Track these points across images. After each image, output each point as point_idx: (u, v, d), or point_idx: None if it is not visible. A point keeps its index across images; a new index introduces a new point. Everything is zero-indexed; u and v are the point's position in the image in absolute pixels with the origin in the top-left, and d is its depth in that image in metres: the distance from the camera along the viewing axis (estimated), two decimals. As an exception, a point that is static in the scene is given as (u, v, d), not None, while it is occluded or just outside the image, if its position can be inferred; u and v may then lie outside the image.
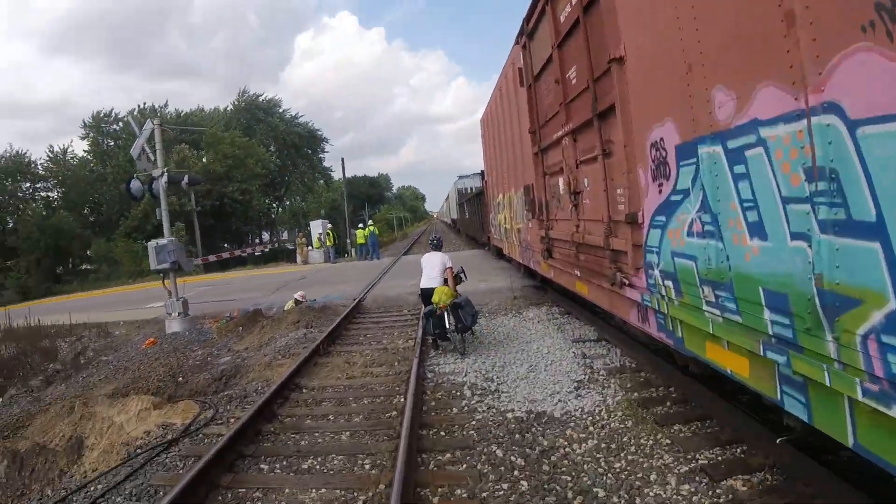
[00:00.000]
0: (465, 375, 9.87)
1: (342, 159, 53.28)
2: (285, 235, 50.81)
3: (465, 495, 5.92)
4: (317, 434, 7.80)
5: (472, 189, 45.00)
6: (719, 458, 6.18)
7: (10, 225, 55.68)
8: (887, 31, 3.12)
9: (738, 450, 6.30)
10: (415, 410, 7.80)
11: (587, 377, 9.27)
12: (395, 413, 8.29)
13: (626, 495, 5.66)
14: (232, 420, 8.62)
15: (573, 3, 8.28)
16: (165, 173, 17.41)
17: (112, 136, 67.09)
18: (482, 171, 25.11)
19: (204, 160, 58.01)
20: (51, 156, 61.58)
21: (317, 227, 42.27)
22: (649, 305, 6.57)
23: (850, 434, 3.78)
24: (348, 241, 43.53)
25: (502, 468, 6.38)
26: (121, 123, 66.40)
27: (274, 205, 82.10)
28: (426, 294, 11.68)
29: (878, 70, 3.20)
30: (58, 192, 61.43)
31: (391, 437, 7.42)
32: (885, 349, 3.35)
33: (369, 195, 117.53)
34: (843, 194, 3.51)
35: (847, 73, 3.41)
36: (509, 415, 7.91)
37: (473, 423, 7.71)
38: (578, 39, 8.26)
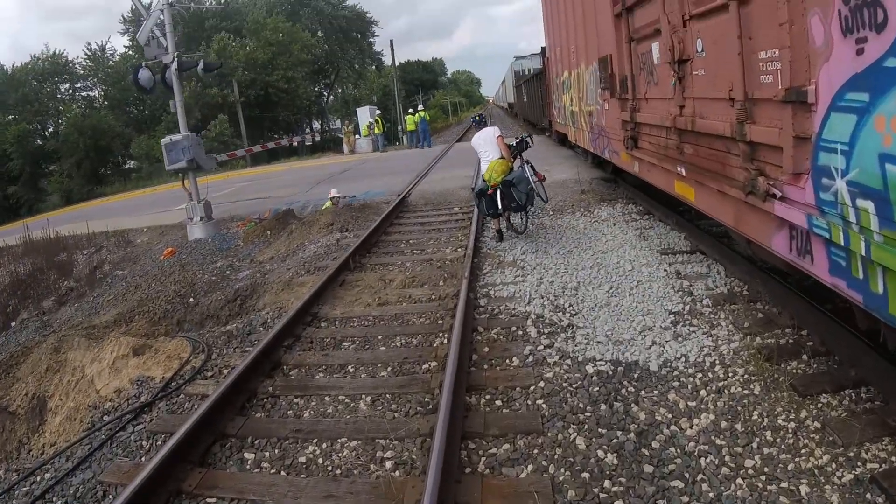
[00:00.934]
0: (529, 303, 7.69)
1: (391, 41, 50.57)
2: (337, 124, 48.34)
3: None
4: (326, 399, 5.76)
5: (529, 70, 42.20)
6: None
7: (51, 129, 54.35)
8: None
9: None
10: (460, 364, 5.66)
11: (686, 307, 7.08)
12: (434, 364, 6.20)
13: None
14: (225, 371, 6.64)
15: None
16: (176, 59, 15.08)
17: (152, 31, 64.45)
18: (542, 49, 22.18)
19: (247, 48, 55.21)
20: (88, 54, 59.28)
21: (364, 115, 39.89)
22: (820, 233, 4.19)
23: None
24: (400, 127, 40.93)
25: (585, 474, 4.28)
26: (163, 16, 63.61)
27: (324, 93, 79.64)
28: None
29: None
30: (99, 90, 59.42)
31: (426, 410, 5.33)
32: None
33: (423, 80, 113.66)
34: None
35: None
36: (589, 367, 5.74)
37: (542, 385, 5.55)
38: None
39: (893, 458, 4.04)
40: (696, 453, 4.35)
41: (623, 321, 6.88)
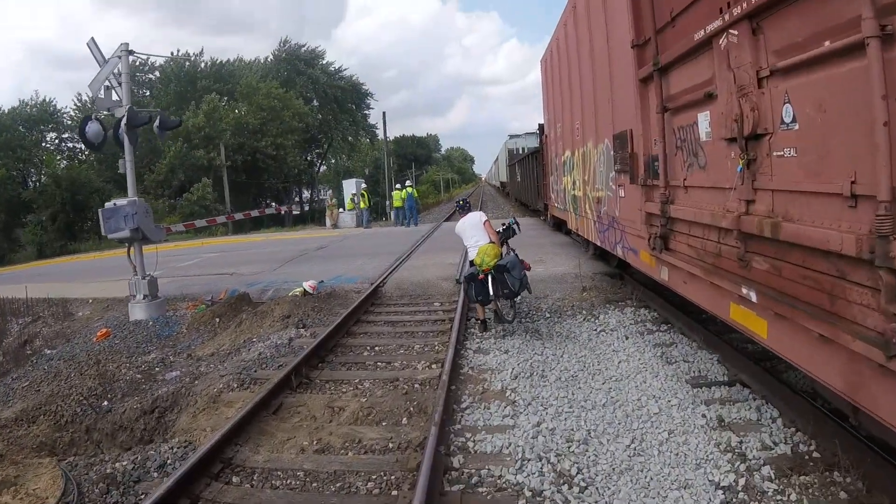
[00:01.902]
0: (522, 468, 5.49)
1: (383, 113, 49.66)
2: (330, 193, 46.53)
3: None
4: None
5: (524, 149, 40.95)
6: None
7: (34, 178, 52.21)
8: None
9: None
10: None
11: (740, 479, 5.08)
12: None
13: None
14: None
15: None
16: (126, 111, 13.10)
17: (147, 86, 63.06)
18: (540, 126, 20.38)
19: (237, 111, 53.73)
20: (78, 105, 57.60)
21: (350, 187, 38.00)
22: None
23: None
24: (388, 202, 38.98)
25: None
26: (157, 73, 62.40)
27: (316, 162, 78.36)
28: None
29: None
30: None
31: None
32: None
33: (417, 155, 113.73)
34: None
35: None
36: None
37: None
38: None
39: None
40: None
41: (653, 499, 4.80)
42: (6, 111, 55.22)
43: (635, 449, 5.72)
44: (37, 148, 53.12)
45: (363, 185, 36.91)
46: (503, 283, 9.39)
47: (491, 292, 9.57)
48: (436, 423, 5.95)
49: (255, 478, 5.69)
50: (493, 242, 9.98)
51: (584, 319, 10.65)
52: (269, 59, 70.65)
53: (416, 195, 33.92)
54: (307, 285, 13.72)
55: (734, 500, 4.76)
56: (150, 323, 13.02)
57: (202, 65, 62.88)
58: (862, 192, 3.43)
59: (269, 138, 54.49)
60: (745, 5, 4.55)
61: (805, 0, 3.91)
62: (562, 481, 5.17)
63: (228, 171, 50.94)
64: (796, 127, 4.14)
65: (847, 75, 3.51)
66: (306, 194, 76.82)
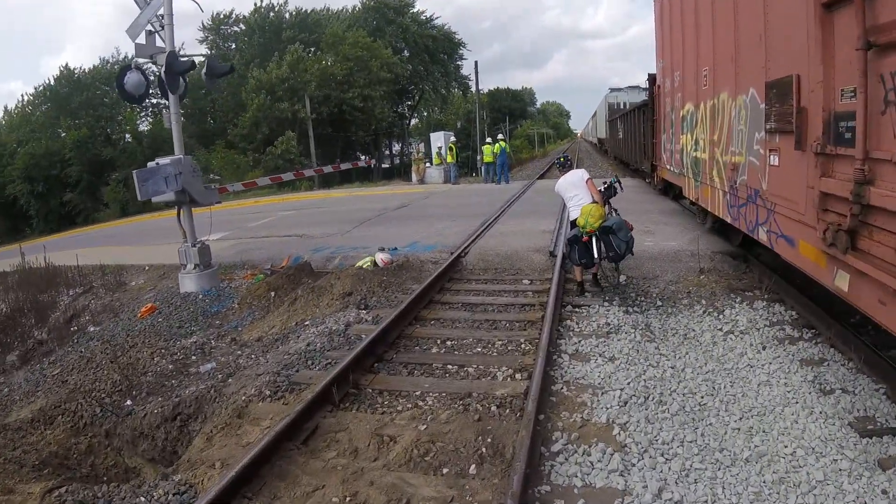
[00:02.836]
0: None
1: (475, 62, 47.84)
2: (417, 147, 44.97)
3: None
4: None
5: (625, 104, 38.49)
6: None
7: (116, 136, 51.88)
8: None
9: None
10: None
11: None
12: None
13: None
14: None
15: None
16: (165, 57, 11.45)
17: (233, 39, 62.23)
18: (650, 77, 17.89)
19: (323, 62, 52.17)
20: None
21: (437, 140, 36.07)
22: None
23: None
24: (478, 157, 36.89)
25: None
26: (242, 26, 61.36)
27: (407, 114, 76.59)
28: None
29: None
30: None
31: None
32: None
33: (511, 108, 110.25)
34: None
35: None
36: None
37: None
38: None
39: None
40: None
41: None
42: (87, 70, 55.25)
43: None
44: (119, 106, 52.59)
45: (451, 138, 34.86)
46: (608, 245, 8.97)
47: (595, 255, 9.13)
48: (513, 489, 4.15)
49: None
50: (597, 202, 9.36)
51: (704, 313, 8.68)
52: (356, 8, 68.42)
53: (508, 150, 31.58)
54: (379, 258, 12.02)
55: None
56: (200, 296, 11.69)
57: (287, 15, 61.46)
58: None
59: (355, 89, 52.69)
60: None
61: None
62: None
63: (314, 123, 49.72)
64: None
65: None
66: (397, 147, 75.39)
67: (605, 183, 10.62)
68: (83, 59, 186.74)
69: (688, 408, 5.83)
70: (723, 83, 9.28)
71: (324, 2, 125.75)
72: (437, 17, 72.26)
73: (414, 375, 6.89)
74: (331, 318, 9.13)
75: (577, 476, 4.74)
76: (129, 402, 7.48)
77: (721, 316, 8.50)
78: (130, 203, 42.16)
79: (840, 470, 4.71)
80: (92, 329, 11.46)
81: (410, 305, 8.87)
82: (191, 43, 59.57)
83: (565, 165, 10.26)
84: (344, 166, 40.81)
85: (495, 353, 7.42)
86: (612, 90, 48.70)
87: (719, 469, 4.78)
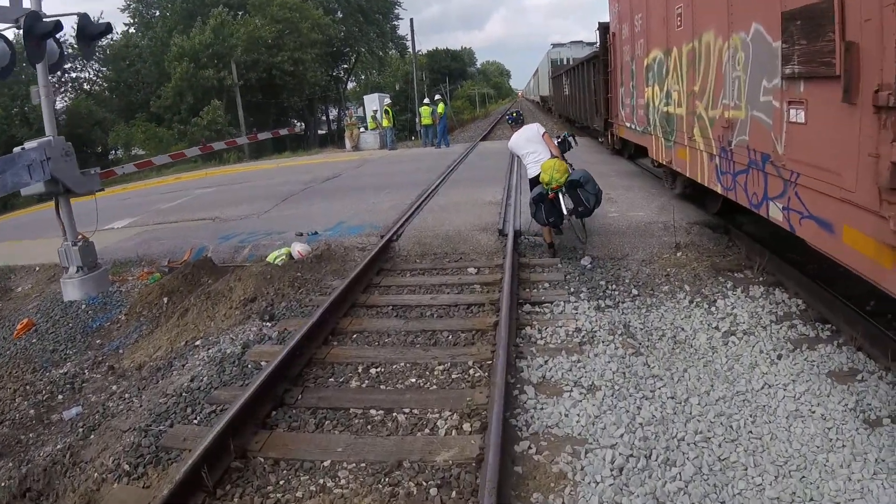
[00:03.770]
0: None
1: (411, 20, 44.69)
2: (350, 112, 42.40)
3: None
4: None
5: (568, 60, 37.01)
6: None
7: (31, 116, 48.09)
8: None
9: None
10: None
11: None
12: None
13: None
14: None
15: None
16: (25, 18, 9.15)
17: (156, 5, 58.32)
18: (601, 26, 15.97)
19: (249, 26, 48.84)
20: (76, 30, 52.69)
21: (372, 103, 33.79)
22: None
23: None
24: (417, 119, 34.67)
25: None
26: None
27: (343, 78, 73.51)
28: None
29: None
30: (89, 71, 52.60)
31: None
32: None
33: (451, 69, 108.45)
34: None
35: None
36: None
37: None
38: None
39: None
40: None
41: None
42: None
43: None
44: (34, 82, 48.75)
45: (387, 101, 32.58)
46: (577, 199, 8.54)
47: (565, 211, 8.62)
48: None
49: None
50: (557, 157, 8.86)
51: (691, 303, 7.10)
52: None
53: (443, 113, 29.09)
54: (295, 250, 10.09)
55: None
56: (84, 306, 9.52)
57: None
58: None
59: (285, 53, 49.69)
60: None
61: None
62: None
63: (242, 90, 46.69)
64: None
65: None
66: (334, 113, 72.70)
67: (557, 138, 9.76)
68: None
69: (705, 468, 4.12)
70: (706, 21, 7.45)
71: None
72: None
73: (324, 430, 4.99)
74: (227, 336, 7.20)
75: None
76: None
77: (713, 308, 6.87)
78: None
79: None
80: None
81: (327, 313, 7.00)
82: (113, 13, 55.80)
83: (518, 121, 9.61)
84: (262, 136, 38.24)
85: (435, 386, 5.56)
86: (555, 46, 46.96)
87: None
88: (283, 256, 9.88)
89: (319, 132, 65.62)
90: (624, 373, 5.46)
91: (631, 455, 4.23)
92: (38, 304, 10.06)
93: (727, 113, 6.93)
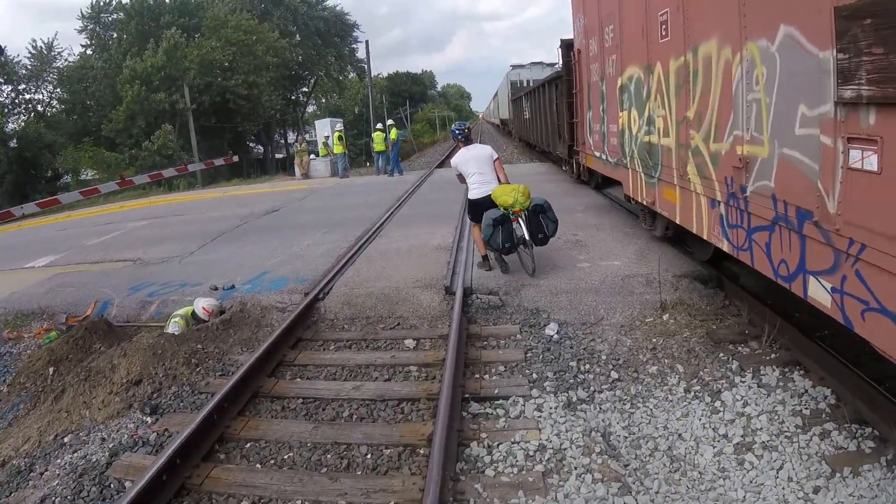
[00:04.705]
0: None
1: (366, 42, 43.14)
2: (300, 137, 40.69)
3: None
4: None
5: (528, 82, 35.65)
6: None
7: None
8: None
9: None
10: None
11: None
12: None
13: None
14: None
15: None
16: None
17: (113, 27, 55.89)
18: (565, 43, 14.42)
19: (204, 48, 46.76)
20: (34, 52, 50.32)
21: (323, 128, 31.96)
22: None
23: None
24: (372, 145, 32.88)
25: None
26: (122, 13, 55.07)
27: (302, 101, 71.95)
28: (481, 206, 8.55)
29: None
30: (44, 93, 50.39)
31: None
32: None
33: (412, 92, 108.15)
34: None
35: None
36: None
37: None
38: None
39: None
40: None
41: None
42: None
43: None
44: (-14, 104, 46.21)
45: (338, 126, 30.74)
46: (537, 226, 8.29)
47: (527, 236, 8.20)
48: None
49: None
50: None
51: (688, 393, 5.55)
52: (241, -9, 63.32)
53: (395, 138, 27.10)
54: (199, 306, 8.25)
55: None
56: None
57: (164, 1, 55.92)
58: None
59: (240, 76, 48.11)
60: None
61: None
62: None
63: (195, 114, 44.55)
64: None
65: None
66: (292, 137, 71.05)
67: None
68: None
69: None
70: (706, 28, 5.79)
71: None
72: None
73: None
74: (98, 434, 5.53)
75: None
76: None
77: (718, 403, 5.24)
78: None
79: None
80: None
81: (218, 409, 5.30)
82: (71, 35, 53.65)
83: (467, 137, 9.07)
84: (193, 167, 36.33)
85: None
86: (514, 67, 45.99)
87: None
88: (182, 318, 8.03)
89: (278, 156, 63.88)
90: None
91: None
92: None
93: (740, 148, 5.24)
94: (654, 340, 6.54)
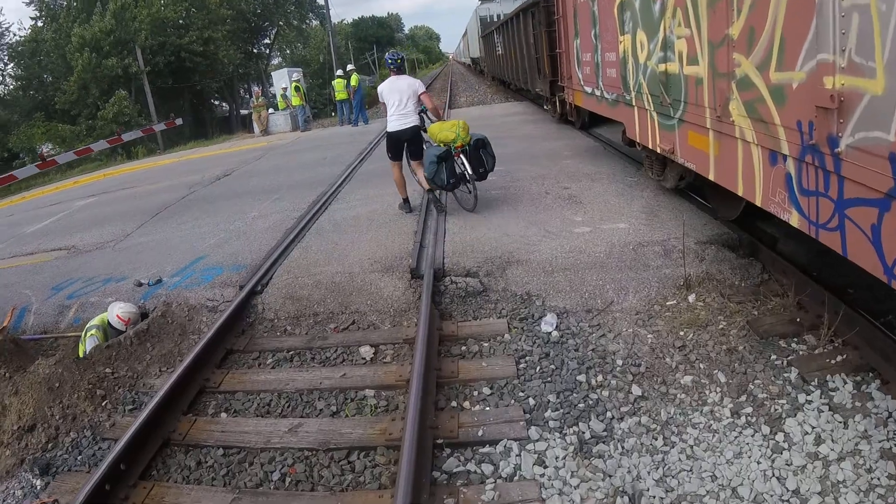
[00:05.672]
0: None
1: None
2: (257, 91, 38.55)
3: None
4: None
5: (498, 16, 33.63)
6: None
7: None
8: None
9: None
10: None
11: None
12: None
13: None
14: None
15: None
16: None
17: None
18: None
19: (153, 7, 44.08)
20: None
21: (280, 80, 29.97)
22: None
23: None
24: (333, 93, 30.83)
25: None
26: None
27: (265, 54, 68.81)
28: (398, 140, 8.66)
29: None
30: None
31: None
32: None
33: (378, 37, 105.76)
34: None
35: None
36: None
37: None
38: None
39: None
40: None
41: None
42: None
43: None
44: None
45: (296, 76, 28.62)
46: (479, 161, 8.24)
47: (470, 171, 8.20)
48: None
49: None
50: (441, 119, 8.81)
51: (735, 419, 4.03)
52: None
53: (356, 84, 24.93)
54: (114, 314, 6.57)
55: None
56: None
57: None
58: None
59: (194, 32, 45.48)
60: None
61: None
62: None
63: (150, 77, 42.26)
64: None
65: None
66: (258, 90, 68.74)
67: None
68: None
69: None
70: None
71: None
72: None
73: None
74: None
75: None
76: None
77: (781, 437, 3.84)
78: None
79: None
80: None
81: (113, 469, 3.86)
82: (19, 8, 50.76)
83: (400, 67, 8.89)
84: (127, 137, 34.49)
85: None
86: (484, 1, 43.61)
87: None
88: (96, 332, 6.38)
89: (243, 112, 61.67)
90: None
91: None
92: None
93: (830, 80, 3.47)
94: (681, 334, 4.99)
